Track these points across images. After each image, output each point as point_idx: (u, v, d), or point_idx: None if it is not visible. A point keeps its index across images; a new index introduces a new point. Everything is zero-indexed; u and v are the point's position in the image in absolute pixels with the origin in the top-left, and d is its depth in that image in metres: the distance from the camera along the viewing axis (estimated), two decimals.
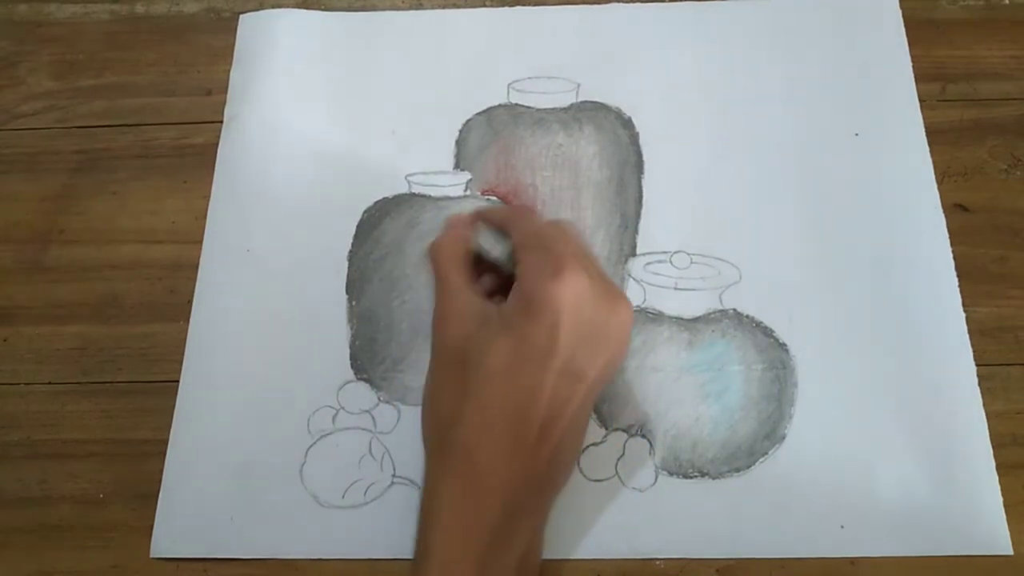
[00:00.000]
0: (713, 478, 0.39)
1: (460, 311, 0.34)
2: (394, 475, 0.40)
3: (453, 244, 0.37)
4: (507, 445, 0.32)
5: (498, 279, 0.38)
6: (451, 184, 0.46)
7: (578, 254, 0.34)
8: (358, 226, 0.45)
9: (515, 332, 0.32)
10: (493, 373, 0.32)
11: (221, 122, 0.48)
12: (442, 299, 0.35)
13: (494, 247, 0.37)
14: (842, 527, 0.38)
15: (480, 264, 0.38)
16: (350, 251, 0.45)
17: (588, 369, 0.33)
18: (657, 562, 0.38)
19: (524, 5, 0.51)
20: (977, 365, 0.41)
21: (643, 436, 0.40)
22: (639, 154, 0.46)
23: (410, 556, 0.33)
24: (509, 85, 0.48)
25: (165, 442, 0.41)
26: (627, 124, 0.47)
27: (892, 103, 0.47)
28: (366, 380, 0.42)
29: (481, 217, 0.38)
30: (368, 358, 0.42)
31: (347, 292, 0.44)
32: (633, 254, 0.44)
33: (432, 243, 0.37)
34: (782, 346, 0.42)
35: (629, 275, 0.44)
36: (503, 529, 0.32)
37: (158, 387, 0.42)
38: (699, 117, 0.47)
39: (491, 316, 0.33)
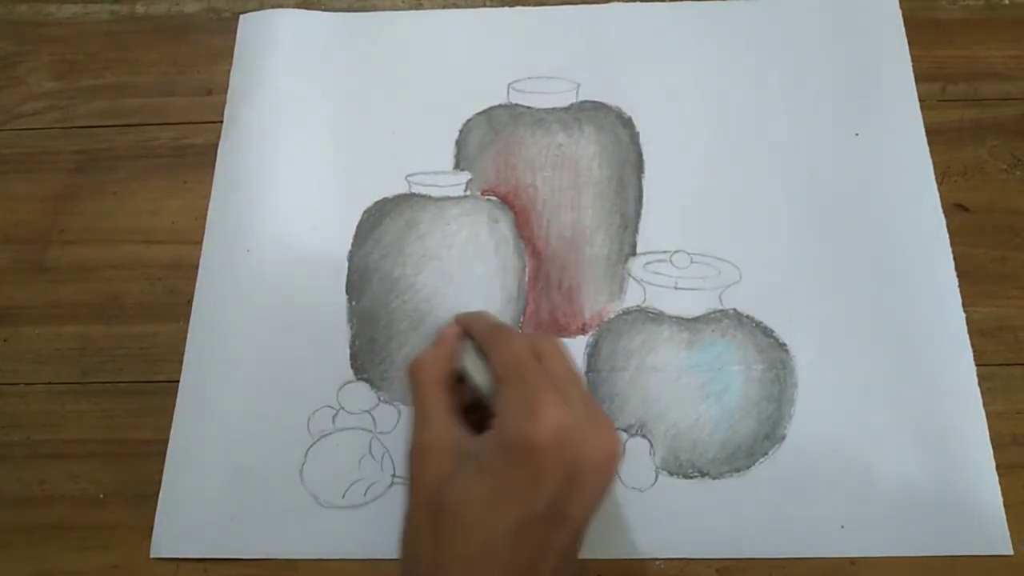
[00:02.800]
0: (713, 478, 0.40)
1: (438, 445, 0.32)
2: (394, 475, 0.40)
3: (436, 364, 0.35)
4: None
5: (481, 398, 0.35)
6: (451, 184, 0.46)
7: (560, 382, 0.32)
8: (358, 226, 0.45)
9: (493, 477, 0.30)
10: (470, 524, 0.30)
11: (221, 122, 0.48)
12: (420, 428, 0.33)
13: (477, 372, 0.35)
14: (842, 527, 0.38)
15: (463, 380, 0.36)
16: (350, 251, 0.45)
17: (573, 511, 0.30)
18: (657, 562, 0.38)
19: (524, 5, 0.51)
20: (977, 365, 0.41)
21: (643, 436, 0.40)
22: (639, 154, 0.46)
23: None
24: (509, 85, 0.48)
25: (165, 442, 0.41)
26: (627, 124, 0.47)
27: (892, 103, 0.47)
28: (366, 380, 0.42)
29: (467, 326, 0.36)
30: (368, 358, 0.42)
31: (347, 292, 0.44)
32: (633, 254, 0.44)
33: (414, 360, 0.35)
34: (782, 346, 0.42)
35: (629, 275, 0.44)
36: None
37: (158, 387, 0.42)
38: (699, 117, 0.47)
39: (469, 454, 0.31)
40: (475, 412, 0.34)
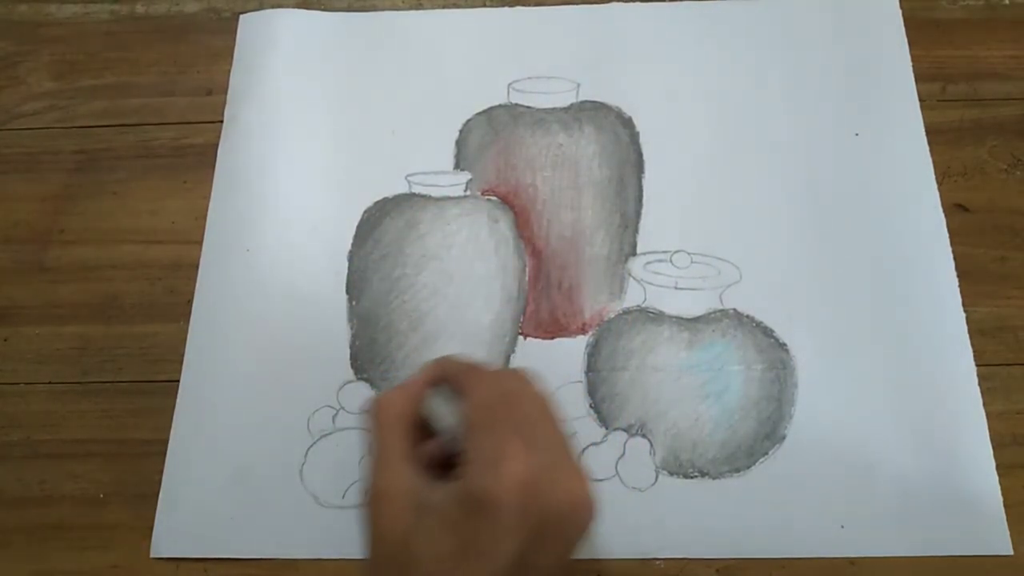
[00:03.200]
0: (713, 478, 0.40)
1: (396, 492, 0.30)
2: None
3: (397, 405, 0.32)
4: None
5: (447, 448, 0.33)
6: (451, 184, 0.46)
7: (527, 427, 0.30)
8: (358, 226, 0.45)
9: (456, 532, 0.28)
10: None
11: (221, 122, 0.48)
12: (378, 473, 0.31)
13: (445, 417, 0.32)
14: (842, 527, 0.38)
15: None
16: (350, 251, 0.45)
17: (543, 561, 0.29)
18: (657, 562, 0.38)
19: (524, 5, 0.51)
20: (977, 365, 0.41)
21: (643, 436, 0.40)
22: (639, 154, 0.46)
23: None
24: (509, 85, 0.48)
25: (165, 442, 0.41)
26: (627, 124, 0.47)
27: (892, 103, 0.47)
28: (366, 380, 0.42)
29: (437, 376, 0.34)
30: (368, 358, 0.42)
31: (347, 292, 0.44)
32: (633, 254, 0.44)
33: (375, 400, 0.32)
34: (782, 346, 0.42)
35: (629, 275, 0.44)
36: None
37: (158, 387, 0.42)
38: (699, 117, 0.47)
39: (432, 505, 0.29)
40: (441, 466, 0.32)
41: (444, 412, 0.32)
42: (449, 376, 0.33)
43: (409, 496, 0.30)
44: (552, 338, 0.43)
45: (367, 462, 0.32)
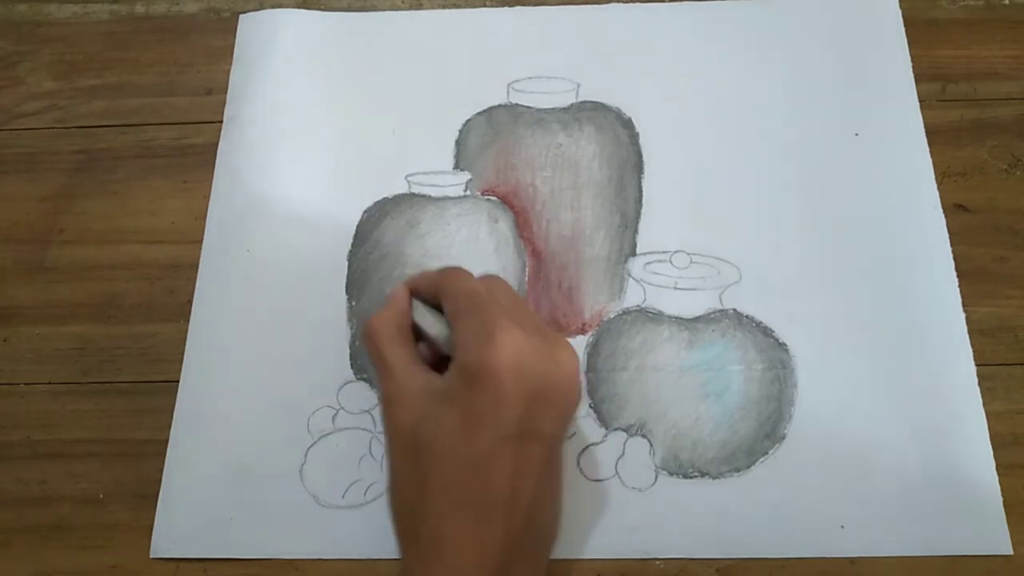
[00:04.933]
0: (713, 478, 0.40)
1: (405, 391, 0.33)
2: None
3: (389, 322, 0.35)
4: (476, 524, 0.30)
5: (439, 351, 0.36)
6: (451, 184, 0.46)
7: (511, 310, 0.33)
8: (358, 226, 0.45)
9: (460, 406, 0.31)
10: (447, 454, 0.31)
11: (221, 122, 0.48)
12: (385, 381, 0.34)
13: (432, 325, 0.35)
14: (842, 527, 0.38)
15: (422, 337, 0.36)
16: (350, 251, 0.45)
17: (543, 427, 0.32)
18: (657, 562, 0.38)
19: (524, 5, 0.51)
20: (977, 365, 0.41)
21: (643, 436, 0.40)
22: (639, 154, 0.46)
23: None
24: (509, 85, 0.48)
25: (165, 442, 0.41)
26: (627, 124, 0.47)
27: (892, 103, 0.47)
28: (366, 380, 0.42)
29: (415, 287, 0.36)
30: (368, 358, 0.42)
31: (347, 292, 0.44)
32: (633, 254, 0.44)
33: (366, 324, 0.35)
34: (782, 346, 0.42)
35: (629, 275, 0.44)
36: None
37: (158, 387, 0.42)
38: (699, 117, 0.47)
39: (436, 392, 0.32)
40: (437, 368, 0.35)
41: (429, 322, 0.35)
42: (428, 286, 0.36)
43: (420, 390, 0.32)
44: None
45: (377, 380, 0.34)
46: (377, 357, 0.34)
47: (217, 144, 0.48)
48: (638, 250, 0.44)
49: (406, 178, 0.46)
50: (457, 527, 0.30)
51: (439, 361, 0.35)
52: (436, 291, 0.35)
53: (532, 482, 0.31)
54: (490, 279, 0.35)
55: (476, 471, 0.30)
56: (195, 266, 0.45)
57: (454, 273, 0.35)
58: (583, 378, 0.42)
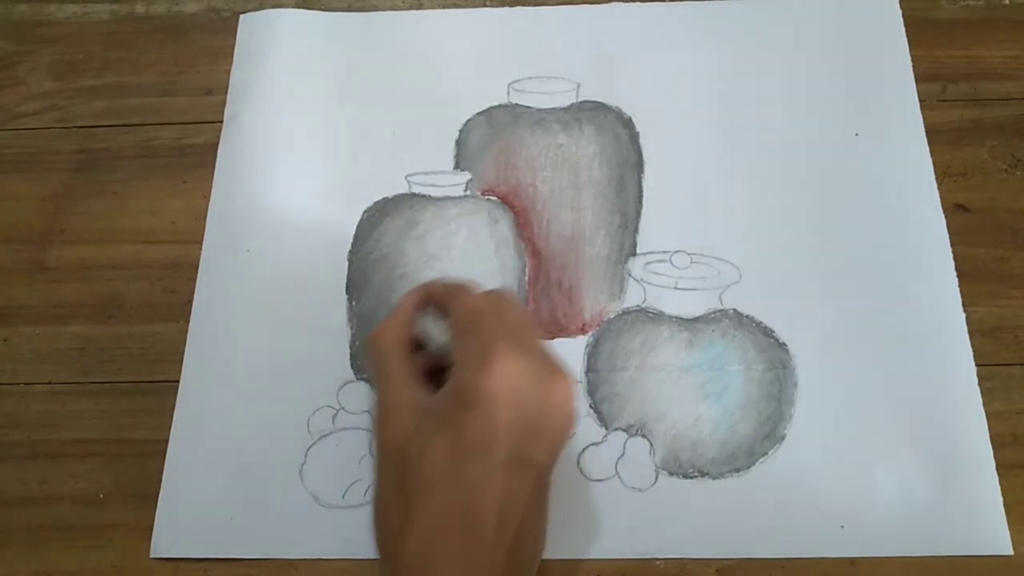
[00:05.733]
0: (713, 478, 0.40)
1: (402, 405, 0.32)
2: None
3: (393, 332, 0.35)
4: (462, 550, 0.30)
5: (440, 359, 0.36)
6: (451, 184, 0.46)
7: (512, 334, 0.32)
8: (358, 226, 0.45)
9: (452, 429, 0.30)
10: (434, 476, 0.30)
11: (221, 122, 0.48)
12: (382, 393, 0.33)
13: (436, 336, 0.35)
14: (842, 527, 0.38)
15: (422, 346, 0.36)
16: (350, 251, 0.45)
17: (534, 455, 0.31)
18: (657, 562, 0.38)
19: (524, 5, 0.51)
20: (977, 365, 0.41)
21: (643, 436, 0.40)
22: (639, 154, 0.46)
23: None
24: (509, 85, 0.48)
25: (165, 442, 0.41)
26: (627, 124, 0.47)
27: (892, 103, 0.47)
28: (366, 380, 0.42)
29: (422, 299, 0.36)
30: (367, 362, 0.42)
31: (347, 292, 0.44)
32: (633, 254, 0.44)
33: (371, 332, 0.35)
34: (782, 346, 0.42)
35: (629, 275, 0.44)
36: None
37: (158, 387, 0.42)
38: (699, 117, 0.47)
39: (430, 409, 0.32)
40: (437, 377, 0.34)
41: (435, 331, 0.35)
42: (435, 297, 0.36)
43: (413, 406, 0.32)
44: (552, 338, 0.43)
45: (374, 388, 0.34)
46: (378, 367, 0.34)
47: (217, 144, 0.48)
48: (638, 250, 0.44)
49: (406, 178, 0.46)
50: (443, 552, 0.30)
51: (438, 370, 0.35)
52: (444, 303, 0.35)
53: (519, 510, 0.31)
54: (498, 296, 0.35)
55: (465, 497, 0.30)
56: (195, 266, 0.45)
57: (461, 289, 0.35)
58: (583, 378, 0.42)
